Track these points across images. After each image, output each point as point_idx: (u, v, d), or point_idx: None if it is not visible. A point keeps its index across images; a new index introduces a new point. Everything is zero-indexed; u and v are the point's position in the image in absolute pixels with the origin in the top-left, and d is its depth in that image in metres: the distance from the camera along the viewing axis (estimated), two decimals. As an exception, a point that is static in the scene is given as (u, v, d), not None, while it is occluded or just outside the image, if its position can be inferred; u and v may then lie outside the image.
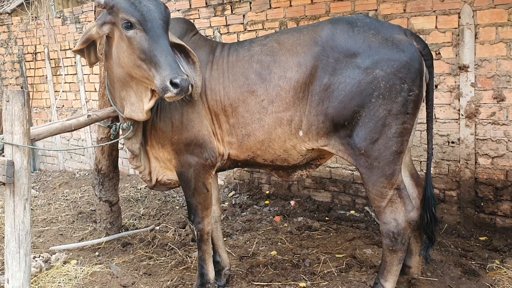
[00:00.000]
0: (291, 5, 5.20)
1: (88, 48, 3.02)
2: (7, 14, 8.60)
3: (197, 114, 2.99)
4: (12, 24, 8.54)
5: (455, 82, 4.30)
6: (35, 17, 8.11)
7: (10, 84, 8.93)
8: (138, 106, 2.94)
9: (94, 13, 3.10)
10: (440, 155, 4.51)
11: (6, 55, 8.80)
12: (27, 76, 8.64)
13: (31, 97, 8.55)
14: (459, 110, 4.33)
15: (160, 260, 4.06)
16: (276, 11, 5.32)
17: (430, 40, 4.37)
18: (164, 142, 3.09)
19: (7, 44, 8.75)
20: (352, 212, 5.03)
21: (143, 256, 4.17)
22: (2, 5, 9.23)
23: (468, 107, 4.25)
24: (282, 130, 2.90)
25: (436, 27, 4.33)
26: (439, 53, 4.35)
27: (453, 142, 4.42)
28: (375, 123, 2.72)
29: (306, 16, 5.09)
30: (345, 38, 2.78)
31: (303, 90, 2.82)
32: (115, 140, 3.49)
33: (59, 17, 7.70)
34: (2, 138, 3.09)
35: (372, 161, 2.77)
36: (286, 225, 4.77)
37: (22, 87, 8.73)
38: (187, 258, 4.03)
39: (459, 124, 4.34)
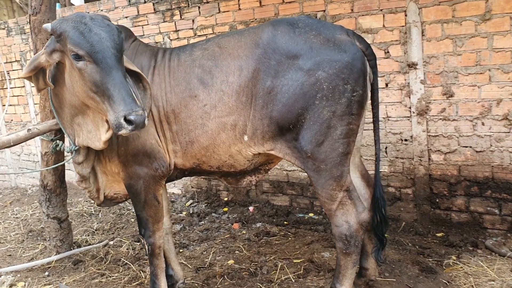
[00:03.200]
0: (240, 9, 5.12)
1: (36, 75, 2.76)
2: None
3: None
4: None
5: (405, 80, 4.31)
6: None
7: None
8: (95, 135, 2.76)
9: None
10: (394, 153, 4.51)
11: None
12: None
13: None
14: (410, 107, 4.34)
15: (112, 276, 3.89)
16: (225, 15, 5.24)
17: (378, 39, 4.38)
18: (110, 155, 2.95)
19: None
20: (311, 214, 4.99)
21: (95, 273, 3.99)
22: None
23: (418, 104, 4.27)
24: (226, 135, 2.81)
25: (383, 25, 4.34)
26: (388, 52, 4.36)
27: (406, 140, 4.43)
28: (320, 125, 2.66)
29: (256, 19, 5.03)
30: (287, 40, 2.71)
31: (246, 94, 2.74)
32: (61, 163, 3.30)
33: (3, 28, 7.40)
34: None
35: (319, 164, 2.71)
36: (244, 232, 4.68)
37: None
38: (140, 273, 3.88)
39: (411, 121, 4.35)
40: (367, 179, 3.13)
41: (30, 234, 5.23)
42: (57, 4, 6.96)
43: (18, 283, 3.94)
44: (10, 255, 4.75)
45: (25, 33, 7.12)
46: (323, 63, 2.65)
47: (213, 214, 5.40)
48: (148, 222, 3.03)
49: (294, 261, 3.82)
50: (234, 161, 2.89)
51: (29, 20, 3.71)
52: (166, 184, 3.23)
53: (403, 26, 4.23)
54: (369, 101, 2.88)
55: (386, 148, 4.54)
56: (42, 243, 4.87)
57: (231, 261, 3.94)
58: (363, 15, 4.40)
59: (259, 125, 2.75)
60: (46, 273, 4.15)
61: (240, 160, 2.89)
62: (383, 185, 4.59)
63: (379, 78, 4.33)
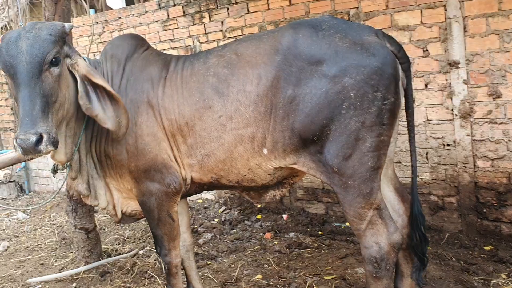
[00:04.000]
0: (269, 9, 4.91)
1: None
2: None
3: (152, 137, 2.70)
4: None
5: (446, 80, 3.98)
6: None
7: (1, 106, 8.74)
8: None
9: None
10: (435, 159, 4.19)
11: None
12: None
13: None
14: (452, 110, 4.00)
15: (137, 290, 3.79)
16: (254, 16, 5.04)
17: (416, 36, 4.06)
18: (122, 172, 2.80)
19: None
20: (347, 224, 4.71)
21: (121, 286, 3.89)
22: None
23: (461, 106, 3.93)
24: (244, 148, 2.60)
25: (421, 22, 4.02)
26: (427, 50, 4.04)
27: (448, 145, 4.09)
28: (347, 137, 2.42)
29: (285, 18, 4.80)
30: (309, 44, 2.48)
31: (265, 104, 2.53)
32: (63, 184, 3.20)
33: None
34: None
35: (347, 180, 2.47)
36: (276, 242, 4.47)
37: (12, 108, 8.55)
38: (165, 287, 3.74)
39: (454, 125, 4.02)
40: (402, 193, 2.85)
41: (63, 242, 5.23)
42: (91, 10, 6.97)
43: (45, 296, 3.90)
44: (42, 264, 4.75)
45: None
46: (349, 69, 2.40)
47: (246, 221, 5.22)
48: (164, 240, 2.87)
49: (325, 277, 3.58)
50: (254, 175, 2.69)
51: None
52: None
53: (442, 22, 3.90)
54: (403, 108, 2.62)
55: (427, 153, 4.22)
56: (74, 252, 4.84)
57: (258, 276, 3.74)
58: (399, 11, 4.09)
59: (279, 137, 2.54)
60: (74, 285, 4.09)
61: (261, 174, 2.69)
62: (424, 193, 4.28)
63: (418, 79, 4.04)
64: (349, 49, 2.44)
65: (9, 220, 6.54)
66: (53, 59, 2.38)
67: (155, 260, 4.31)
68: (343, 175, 2.47)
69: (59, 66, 2.43)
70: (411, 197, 2.77)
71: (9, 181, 8.41)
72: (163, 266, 2.94)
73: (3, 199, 8.03)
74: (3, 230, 6.07)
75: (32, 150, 2.21)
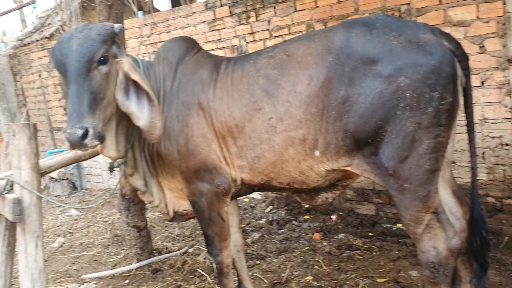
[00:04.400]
0: (317, 6, 4.85)
1: None
2: (47, 39, 8.74)
3: (203, 138, 2.72)
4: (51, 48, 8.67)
5: (504, 77, 3.81)
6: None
7: (54, 106, 9.08)
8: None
9: None
10: (493, 159, 4.02)
11: (48, 79, 8.96)
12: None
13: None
14: (511, 108, 3.83)
15: (188, 289, 3.83)
16: (301, 14, 4.99)
17: (471, 32, 3.91)
18: (173, 172, 2.84)
19: (49, 68, 8.90)
20: (399, 225, 4.60)
21: (171, 284, 3.96)
22: (42, 31, 9.42)
23: (521, 104, 3.75)
24: (295, 151, 2.58)
25: (477, 17, 3.86)
26: (483, 46, 3.87)
27: (507, 144, 3.92)
28: (403, 139, 2.35)
29: (334, 16, 4.73)
30: (362, 43, 2.43)
31: (317, 105, 2.49)
32: (118, 184, 3.28)
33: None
34: (11, 175, 2.98)
35: (403, 183, 2.40)
36: (325, 244, 4.42)
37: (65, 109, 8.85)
38: (215, 286, 3.78)
39: (513, 123, 3.84)
40: (460, 196, 2.74)
41: (115, 239, 5.37)
42: (140, 12, 7.11)
43: (100, 292, 4.01)
44: (96, 260, 4.90)
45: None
46: (405, 68, 2.33)
47: (293, 222, 5.19)
48: (214, 240, 2.89)
49: (378, 280, 3.51)
50: (306, 177, 2.66)
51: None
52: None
53: (501, 16, 3.73)
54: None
55: (483, 153, 4.05)
56: (125, 249, 4.96)
57: (309, 278, 3.71)
58: (453, 7, 3.94)
59: (332, 139, 2.50)
60: (126, 282, 4.19)
61: (312, 176, 2.65)
62: (481, 194, 4.11)
63: (473, 76, 3.89)
64: (404, 47, 2.37)
65: (63, 217, 6.79)
66: (102, 58, 2.45)
67: (204, 259, 4.35)
68: (399, 178, 2.40)
69: (107, 65, 2.49)
70: (471, 200, 2.66)
71: (63, 179, 8.73)
72: (214, 265, 2.96)
73: (57, 196, 8.34)
74: (58, 226, 6.30)
75: (78, 144, 2.28)
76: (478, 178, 4.05)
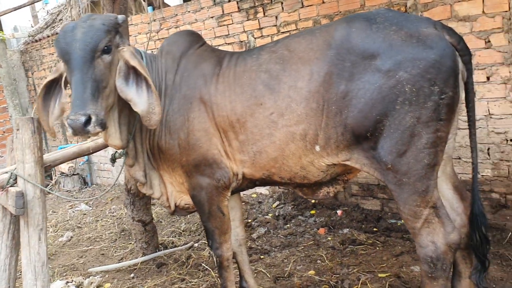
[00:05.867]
0: (323, 2, 4.84)
1: None
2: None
3: (204, 132, 2.74)
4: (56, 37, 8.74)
5: (510, 72, 3.78)
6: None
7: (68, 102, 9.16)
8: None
9: None
10: (498, 155, 3.99)
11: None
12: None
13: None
14: (517, 104, 3.80)
15: (192, 282, 3.87)
16: (308, 10, 4.99)
17: (477, 27, 3.88)
18: (174, 165, 2.87)
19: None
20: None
21: (176, 278, 4.00)
22: (53, 27, 9.52)
23: (527, 100, 3.72)
24: (296, 146, 2.59)
25: (483, 11, 3.83)
26: (489, 41, 3.85)
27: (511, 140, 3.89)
28: (401, 133, 2.35)
29: (340, 12, 4.72)
30: (362, 38, 2.43)
31: (317, 100, 2.50)
32: (118, 176, 3.32)
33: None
34: (15, 169, 3.03)
35: (401, 177, 2.41)
36: (329, 238, 4.43)
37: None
38: (218, 280, 3.81)
39: (518, 119, 3.81)
40: (461, 191, 2.74)
41: (122, 233, 5.43)
42: (149, 8, 7.15)
43: (105, 284, 4.06)
44: (103, 254, 4.96)
45: (120, 37, 7.38)
46: (404, 63, 2.33)
47: (300, 217, 5.20)
48: (215, 234, 2.92)
49: (379, 275, 3.51)
50: (307, 172, 2.67)
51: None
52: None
53: (506, 11, 3.70)
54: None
55: (488, 149, 4.03)
56: (132, 243, 5.01)
57: (311, 272, 3.73)
58: (459, 1, 3.92)
59: (332, 133, 2.51)
60: (132, 275, 4.25)
61: (313, 171, 2.67)
62: (486, 190, 4.10)
63: (479, 71, 3.88)
64: (404, 42, 2.37)
65: (73, 212, 6.87)
66: (105, 47, 2.50)
67: (209, 253, 4.39)
68: (398, 172, 2.41)
69: (111, 54, 2.54)
70: (471, 195, 2.65)
71: (73, 174, 8.82)
72: (214, 259, 2.99)
73: (67, 191, 8.44)
74: (67, 221, 6.39)
75: (81, 130, 2.33)
76: (483, 174, 4.06)
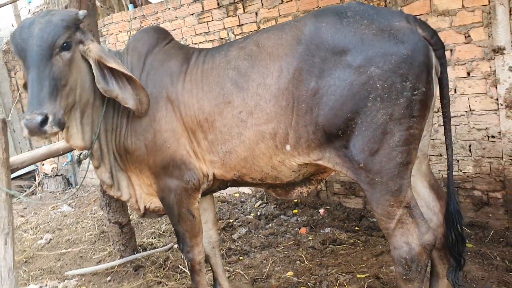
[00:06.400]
0: (303, -3, 4.77)
1: None
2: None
3: (171, 133, 2.65)
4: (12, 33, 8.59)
5: (490, 67, 3.72)
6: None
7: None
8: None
9: None
10: (479, 151, 3.94)
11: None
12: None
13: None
14: (497, 99, 3.74)
15: (168, 285, 3.77)
16: (288, 5, 4.91)
17: (457, 21, 3.81)
18: (141, 167, 2.77)
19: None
20: (386, 219, 4.52)
21: (152, 281, 3.91)
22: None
23: (507, 95, 3.66)
24: (265, 145, 2.50)
25: (463, 6, 3.77)
26: (469, 36, 3.79)
27: (493, 137, 3.83)
28: (373, 131, 2.27)
29: (320, 7, 4.64)
30: (332, 33, 2.34)
31: (286, 98, 2.41)
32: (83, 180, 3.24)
33: (83, 32, 7.62)
34: (-20, 171, 2.92)
35: (374, 176, 2.32)
36: (310, 238, 4.36)
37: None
38: (195, 283, 3.72)
39: (499, 115, 3.75)
40: (437, 190, 2.67)
41: (102, 235, 5.32)
42: (130, 5, 7.03)
43: (81, 288, 3.96)
44: (81, 257, 4.85)
45: (102, 36, 7.27)
46: (376, 58, 2.25)
47: (282, 216, 5.12)
48: (185, 237, 2.83)
49: (358, 276, 3.44)
50: (278, 172, 2.59)
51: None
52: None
53: (486, 5, 3.64)
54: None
55: (470, 146, 3.97)
56: (111, 245, 4.91)
57: (290, 273, 3.65)
58: (438, -4, 3.85)
59: (303, 132, 2.42)
60: (108, 278, 4.15)
61: (285, 171, 2.58)
62: (468, 187, 4.04)
63: (459, 66, 3.82)
64: (375, 36, 2.29)
65: (55, 213, 6.74)
66: (64, 44, 2.41)
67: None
68: (370, 171, 2.33)
69: (71, 51, 2.44)
70: (447, 193, 2.58)
71: (56, 175, 8.68)
72: (186, 263, 2.90)
73: (51, 192, 8.30)
74: (48, 223, 6.26)
75: (37, 130, 2.23)
76: (464, 171, 4.00)
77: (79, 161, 2.96)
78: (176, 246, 4.68)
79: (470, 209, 4.06)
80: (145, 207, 2.97)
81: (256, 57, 2.51)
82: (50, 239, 5.54)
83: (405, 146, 2.28)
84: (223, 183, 2.81)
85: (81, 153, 2.87)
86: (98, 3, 8.69)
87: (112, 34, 7.06)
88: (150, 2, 7.39)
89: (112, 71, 2.58)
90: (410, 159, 2.32)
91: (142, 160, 2.73)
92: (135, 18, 6.59)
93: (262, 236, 4.59)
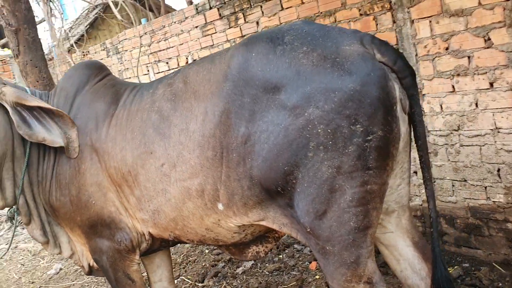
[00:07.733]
0: (303, 3, 4.24)
1: None
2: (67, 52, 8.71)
3: (96, 187, 2.26)
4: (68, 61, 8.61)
5: (516, 76, 3.03)
6: (87, 51, 8.04)
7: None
8: None
9: None
10: (510, 177, 3.25)
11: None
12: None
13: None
14: (527, 115, 3.05)
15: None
16: (288, 12, 4.40)
17: (474, 22, 3.15)
18: (71, 225, 2.42)
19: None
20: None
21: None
22: (63, 44, 9.42)
23: (540, 110, 2.97)
24: (193, 204, 2.05)
25: (479, 3, 3.10)
26: (489, 39, 3.11)
27: (526, 159, 3.14)
28: (317, 189, 1.77)
29: (321, 13, 4.10)
30: (263, 65, 1.86)
31: (213, 146, 1.95)
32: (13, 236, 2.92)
33: (103, 49, 7.50)
34: None
35: (324, 244, 1.82)
36: (317, 277, 3.84)
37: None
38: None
39: (531, 134, 3.06)
40: (423, 249, 2.11)
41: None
42: (143, 20, 6.79)
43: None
44: (83, 292, 4.63)
45: (118, 53, 7.10)
46: (315, 96, 1.74)
47: (295, 245, 4.63)
48: (128, 304, 2.44)
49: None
50: (216, 234, 2.13)
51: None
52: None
53: (507, 0, 2.96)
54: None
55: (498, 170, 3.29)
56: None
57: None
58: (448, -7, 3.20)
59: (236, 188, 1.95)
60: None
61: (223, 233, 2.12)
62: (499, 219, 3.36)
63: (479, 76, 3.20)
64: (315, 68, 1.77)
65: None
66: None
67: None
68: (319, 238, 1.83)
69: None
70: (432, 256, 2.02)
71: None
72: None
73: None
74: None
75: None
76: (494, 200, 3.34)
77: (11, 218, 2.66)
78: (175, 281, 4.33)
79: (504, 245, 3.39)
80: (89, 264, 2.61)
81: (180, 97, 2.07)
82: (60, 269, 5.38)
83: (360, 206, 1.76)
84: (165, 242, 2.40)
85: (9, 210, 2.56)
86: (119, 17, 8.58)
87: (126, 50, 6.86)
88: (170, 10, 7.12)
89: (33, 112, 2.24)
90: (368, 222, 1.79)
91: (70, 218, 2.37)
92: (145, 33, 6.33)
93: (266, 273, 4.13)
